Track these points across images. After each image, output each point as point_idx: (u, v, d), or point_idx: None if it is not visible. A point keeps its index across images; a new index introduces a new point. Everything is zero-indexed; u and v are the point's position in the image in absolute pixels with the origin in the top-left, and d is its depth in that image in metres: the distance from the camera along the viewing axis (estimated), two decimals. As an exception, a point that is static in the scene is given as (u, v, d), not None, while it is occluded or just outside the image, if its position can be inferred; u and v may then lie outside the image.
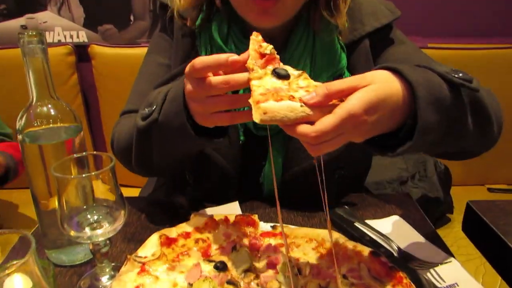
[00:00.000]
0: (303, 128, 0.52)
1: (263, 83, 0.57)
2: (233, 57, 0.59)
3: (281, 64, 0.62)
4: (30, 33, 0.62)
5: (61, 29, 1.74)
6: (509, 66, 1.56)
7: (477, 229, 0.86)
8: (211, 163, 0.86)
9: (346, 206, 0.85)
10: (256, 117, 0.52)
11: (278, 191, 0.58)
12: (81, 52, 1.74)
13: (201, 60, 0.60)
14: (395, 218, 0.83)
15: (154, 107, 0.71)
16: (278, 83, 0.56)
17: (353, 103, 0.52)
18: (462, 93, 0.62)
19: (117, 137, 0.88)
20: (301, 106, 0.52)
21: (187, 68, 0.62)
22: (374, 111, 0.54)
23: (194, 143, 0.71)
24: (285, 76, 0.57)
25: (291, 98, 0.53)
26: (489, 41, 1.61)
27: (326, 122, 0.51)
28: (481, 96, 0.64)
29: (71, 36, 1.76)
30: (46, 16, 1.73)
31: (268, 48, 0.62)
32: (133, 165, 0.82)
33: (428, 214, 0.87)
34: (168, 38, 0.93)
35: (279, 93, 0.54)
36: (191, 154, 0.80)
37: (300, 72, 0.59)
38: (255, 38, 0.63)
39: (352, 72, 0.86)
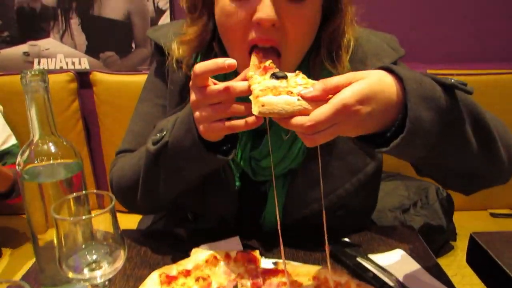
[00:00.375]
0: (298, 119, 0.54)
1: (262, 83, 0.59)
2: (230, 60, 0.62)
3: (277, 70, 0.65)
4: (33, 73, 0.62)
5: (63, 56, 1.76)
6: (510, 92, 1.56)
7: (481, 261, 0.85)
8: (209, 208, 0.85)
9: (348, 240, 0.84)
10: (255, 110, 0.55)
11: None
12: (82, 79, 1.76)
13: (200, 65, 0.62)
14: (398, 252, 0.81)
15: (165, 132, 0.73)
16: (277, 82, 0.59)
17: (347, 94, 0.54)
18: (457, 97, 0.62)
19: (117, 176, 0.87)
20: (298, 100, 0.55)
21: (191, 80, 0.65)
22: (368, 102, 0.55)
23: (203, 163, 0.72)
24: (283, 77, 0.60)
25: (289, 93, 0.56)
26: (488, 66, 1.62)
27: (321, 111, 0.53)
28: (479, 107, 0.65)
29: (73, 63, 1.77)
30: (48, 43, 1.74)
31: (267, 62, 0.65)
32: (138, 199, 0.82)
33: (431, 243, 0.86)
34: (163, 78, 0.92)
35: (277, 89, 0.56)
36: (200, 178, 0.80)
37: (297, 72, 0.62)
38: (256, 56, 0.67)
39: None
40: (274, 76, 0.60)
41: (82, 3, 1.70)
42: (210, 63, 0.62)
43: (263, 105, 0.54)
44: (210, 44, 0.83)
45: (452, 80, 0.62)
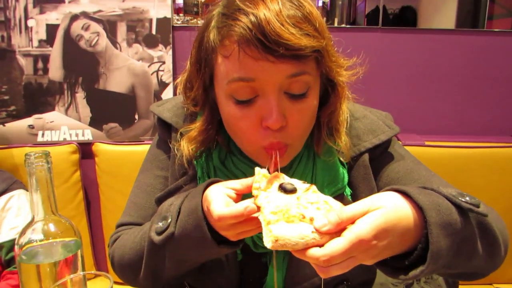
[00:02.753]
0: (313, 252, 0.53)
1: (271, 199, 0.57)
2: (250, 208, 0.61)
3: (286, 178, 0.64)
4: (36, 155, 0.64)
5: (67, 128, 1.80)
6: (506, 165, 1.58)
7: None
8: (209, 279, 0.84)
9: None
10: (268, 243, 0.53)
11: None
12: (84, 150, 1.78)
13: (221, 216, 0.63)
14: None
15: (169, 220, 0.72)
16: (287, 198, 0.57)
17: (363, 228, 0.53)
18: (470, 217, 0.62)
19: (118, 253, 0.86)
20: (312, 232, 0.53)
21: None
22: (384, 236, 0.54)
23: (213, 253, 0.72)
24: (292, 191, 0.58)
25: (302, 218, 0.54)
26: (485, 139, 1.65)
27: (336, 246, 0.52)
28: (488, 220, 0.64)
29: (76, 135, 1.81)
30: (53, 116, 1.79)
31: (273, 173, 0.64)
32: (141, 279, 0.81)
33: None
34: (165, 150, 0.93)
35: (289, 212, 0.54)
36: (206, 260, 0.80)
37: (308, 185, 0.60)
38: (259, 172, 0.66)
39: (352, 186, 0.86)
40: (282, 189, 0.59)
41: (88, 77, 1.76)
42: (231, 213, 0.62)
43: (276, 240, 0.53)
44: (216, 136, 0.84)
45: (467, 198, 0.62)
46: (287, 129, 0.72)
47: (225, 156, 0.85)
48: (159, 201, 0.86)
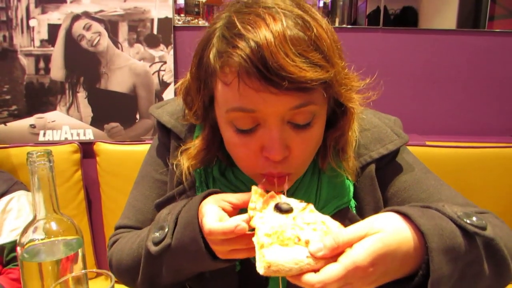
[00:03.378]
0: (308, 278, 0.51)
1: (266, 220, 0.55)
2: (240, 227, 0.60)
3: (283, 197, 0.61)
4: (39, 153, 0.64)
5: (69, 127, 1.80)
6: (506, 165, 1.59)
7: None
8: (209, 285, 0.84)
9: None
10: (260, 269, 0.51)
11: None
12: (86, 149, 1.79)
13: (213, 230, 0.62)
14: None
15: (166, 230, 0.71)
16: (282, 219, 0.55)
17: (360, 253, 0.51)
18: (476, 238, 0.60)
19: (116, 258, 0.86)
20: (307, 257, 0.51)
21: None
22: (382, 262, 0.52)
23: (208, 265, 0.70)
24: (288, 210, 0.56)
25: (298, 240, 0.52)
26: (485, 139, 1.65)
27: (331, 272, 0.50)
28: (496, 241, 0.62)
29: (78, 134, 1.81)
30: (55, 116, 1.79)
31: (270, 192, 0.62)
32: (138, 284, 0.81)
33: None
34: (165, 153, 0.90)
35: (284, 234, 0.52)
36: (204, 271, 0.80)
37: (304, 205, 0.58)
38: (256, 191, 0.63)
39: (357, 198, 0.82)
40: (278, 209, 0.57)
41: (89, 77, 1.77)
42: (221, 229, 0.61)
43: (269, 266, 0.50)
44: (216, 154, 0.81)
45: (473, 219, 0.59)
46: (290, 159, 0.68)
47: (225, 168, 0.83)
48: (158, 206, 0.85)
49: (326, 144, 0.76)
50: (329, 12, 1.79)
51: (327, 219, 0.57)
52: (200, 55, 0.70)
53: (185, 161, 0.79)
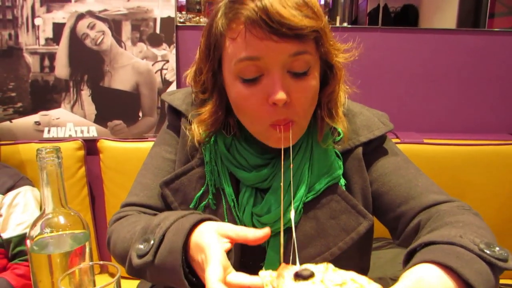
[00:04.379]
0: None
1: None
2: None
3: (296, 267, 0.58)
4: (48, 150, 0.67)
5: (73, 124, 1.83)
6: (502, 162, 1.61)
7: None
8: None
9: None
10: None
11: None
12: (89, 146, 1.82)
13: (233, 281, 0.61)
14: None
15: (151, 243, 0.71)
16: (308, 285, 0.52)
17: None
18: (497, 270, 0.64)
19: (113, 240, 0.87)
20: None
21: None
22: None
23: None
24: (310, 275, 0.54)
25: None
26: (483, 137, 1.67)
27: None
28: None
29: (82, 131, 1.84)
30: (59, 113, 1.82)
31: (281, 266, 0.59)
32: (127, 272, 0.81)
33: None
34: (174, 135, 0.99)
35: None
36: None
37: (324, 264, 0.57)
38: (264, 275, 0.59)
39: (346, 177, 0.91)
40: (300, 277, 0.53)
41: (93, 75, 1.80)
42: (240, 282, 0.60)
43: None
44: (226, 119, 0.89)
45: (497, 249, 0.63)
46: (291, 105, 0.77)
47: (230, 143, 0.90)
48: (166, 184, 0.91)
49: (321, 104, 0.85)
50: (330, 10, 1.81)
51: (354, 275, 0.56)
52: (208, 27, 0.81)
53: (196, 126, 0.88)
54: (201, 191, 0.90)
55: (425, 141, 1.61)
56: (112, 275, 0.63)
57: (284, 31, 0.71)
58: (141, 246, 0.73)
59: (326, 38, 0.78)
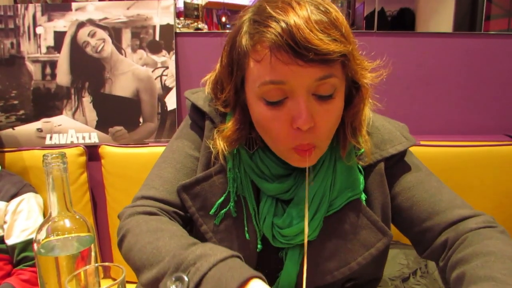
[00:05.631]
0: None
1: None
2: None
3: None
4: (53, 155, 0.69)
5: (74, 131, 1.85)
6: (499, 163, 1.62)
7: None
8: None
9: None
10: None
11: None
12: (91, 152, 1.84)
13: None
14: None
15: (186, 284, 0.65)
16: None
17: None
18: None
19: (129, 242, 0.80)
20: None
21: None
22: None
23: None
24: None
25: None
26: (479, 139, 1.68)
27: None
28: None
29: (83, 138, 1.86)
30: (61, 120, 1.84)
31: None
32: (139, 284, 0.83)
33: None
34: (199, 134, 0.95)
35: None
36: None
37: None
38: None
39: (367, 192, 0.90)
40: None
41: (94, 82, 1.82)
42: None
43: None
44: (249, 134, 0.88)
45: None
46: (315, 129, 0.75)
47: (252, 153, 0.88)
48: (184, 189, 0.88)
49: (345, 122, 0.83)
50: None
51: None
52: (231, 43, 0.79)
53: (220, 141, 0.86)
54: (222, 198, 0.88)
55: (422, 143, 1.63)
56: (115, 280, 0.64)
57: (310, 57, 0.68)
58: (173, 286, 0.66)
59: (353, 60, 0.76)
